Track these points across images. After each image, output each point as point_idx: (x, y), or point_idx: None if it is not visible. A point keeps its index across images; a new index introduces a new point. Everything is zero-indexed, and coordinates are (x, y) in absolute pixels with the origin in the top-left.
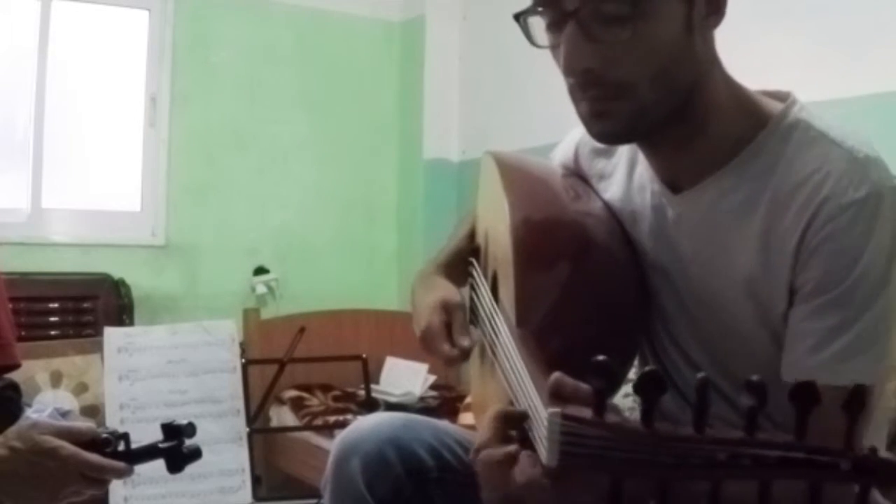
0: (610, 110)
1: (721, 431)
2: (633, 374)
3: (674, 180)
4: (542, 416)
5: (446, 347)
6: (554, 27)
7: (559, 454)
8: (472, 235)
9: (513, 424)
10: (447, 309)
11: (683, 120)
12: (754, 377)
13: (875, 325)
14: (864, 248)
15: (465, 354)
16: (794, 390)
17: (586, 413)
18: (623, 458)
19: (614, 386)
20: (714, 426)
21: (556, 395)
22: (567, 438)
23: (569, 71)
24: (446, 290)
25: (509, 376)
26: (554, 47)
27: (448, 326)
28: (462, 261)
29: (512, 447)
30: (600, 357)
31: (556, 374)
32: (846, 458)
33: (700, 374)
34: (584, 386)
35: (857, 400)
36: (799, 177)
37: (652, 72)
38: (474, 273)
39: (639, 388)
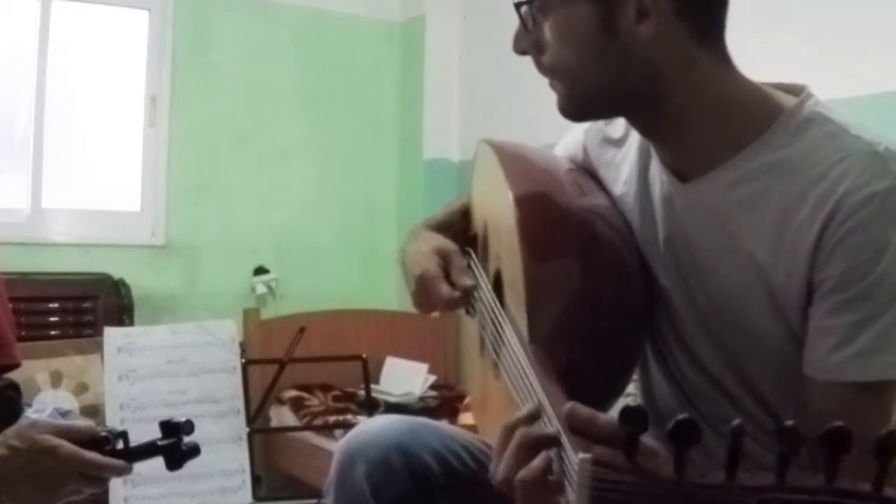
0: (556, 90)
1: (751, 478)
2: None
3: (681, 170)
4: (572, 459)
5: (445, 289)
6: None
7: (589, 500)
8: (466, 215)
9: (543, 448)
10: (442, 254)
11: (664, 115)
12: (788, 422)
13: None
14: (888, 242)
15: (467, 295)
16: (825, 435)
17: (618, 459)
18: (655, 503)
19: (643, 422)
20: (746, 469)
21: (572, 428)
22: (597, 484)
23: (513, 49)
24: (439, 240)
25: (526, 395)
26: None
27: (445, 270)
28: (454, 231)
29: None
30: (632, 403)
31: (570, 405)
32: (875, 503)
33: (735, 422)
34: (601, 416)
35: (889, 445)
36: (816, 171)
37: (572, 63)
38: (472, 265)
39: (673, 436)
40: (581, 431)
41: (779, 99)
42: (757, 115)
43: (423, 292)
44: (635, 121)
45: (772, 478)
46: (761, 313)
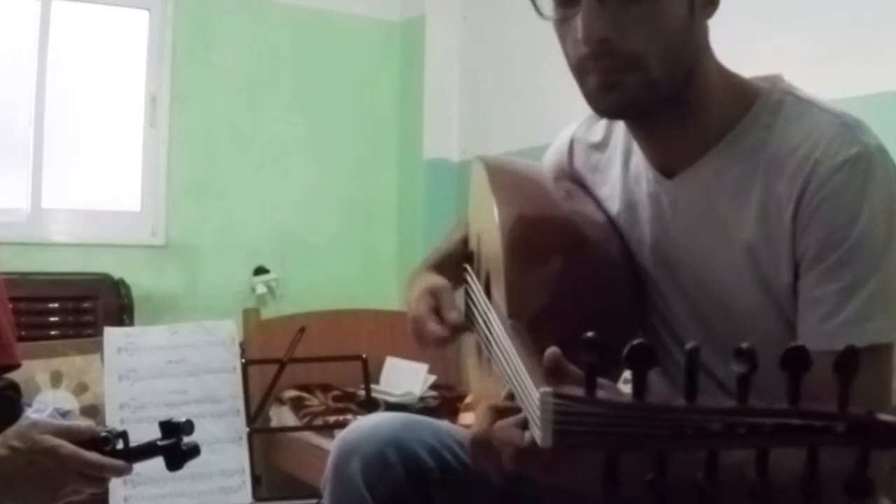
0: (621, 81)
1: (714, 401)
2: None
3: (667, 165)
4: (534, 396)
5: (435, 327)
6: (566, 2)
7: (553, 434)
8: (464, 241)
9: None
10: (433, 293)
11: (680, 102)
12: (744, 344)
13: (886, 282)
14: (861, 206)
15: (455, 330)
16: (784, 356)
17: (578, 391)
18: (618, 433)
19: (606, 364)
20: (706, 395)
21: (553, 373)
22: (560, 417)
23: (586, 40)
24: (431, 280)
25: (503, 365)
26: (562, 21)
27: (436, 310)
28: (453, 263)
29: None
30: (590, 333)
31: (553, 349)
32: (841, 422)
33: (690, 344)
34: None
35: (848, 363)
36: (790, 144)
37: (661, 47)
38: (468, 278)
39: (628, 361)
40: (563, 376)
41: (754, 87)
42: (736, 103)
43: (417, 334)
44: (657, 115)
45: (733, 402)
46: (752, 299)
